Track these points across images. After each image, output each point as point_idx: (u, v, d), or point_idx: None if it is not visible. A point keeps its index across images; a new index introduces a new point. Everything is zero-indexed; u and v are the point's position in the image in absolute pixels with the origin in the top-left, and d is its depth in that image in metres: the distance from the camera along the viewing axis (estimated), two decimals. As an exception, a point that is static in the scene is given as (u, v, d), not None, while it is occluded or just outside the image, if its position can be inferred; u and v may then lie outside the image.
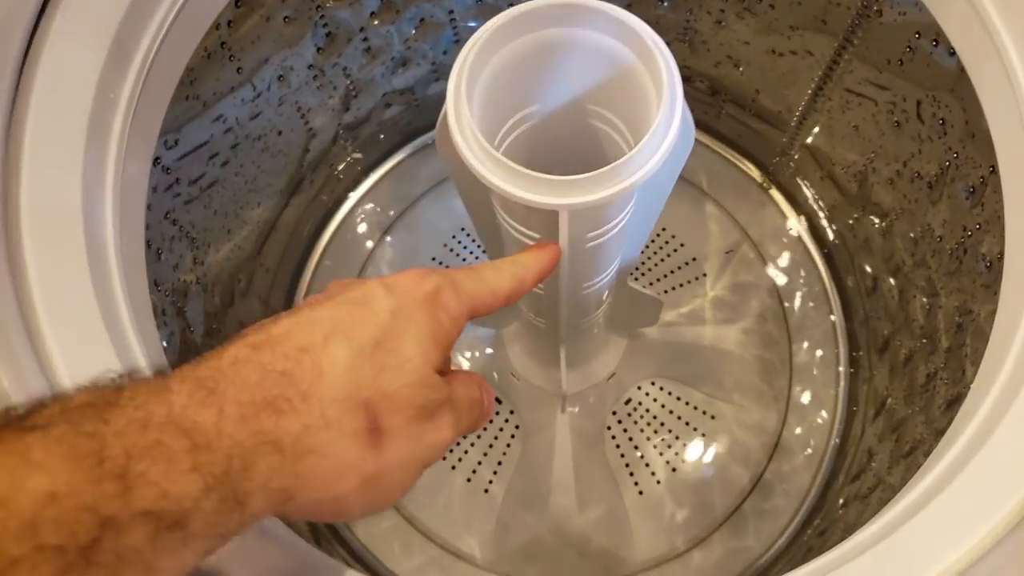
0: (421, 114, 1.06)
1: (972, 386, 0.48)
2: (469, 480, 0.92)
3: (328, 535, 0.89)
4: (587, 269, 0.57)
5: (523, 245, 0.53)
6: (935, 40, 0.63)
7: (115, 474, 0.25)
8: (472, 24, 0.94)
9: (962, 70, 0.59)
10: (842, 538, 0.54)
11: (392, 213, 1.07)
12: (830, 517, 0.81)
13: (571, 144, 0.56)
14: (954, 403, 0.60)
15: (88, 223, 0.41)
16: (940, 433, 0.60)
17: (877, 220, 0.84)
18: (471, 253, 1.03)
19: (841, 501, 0.80)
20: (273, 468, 0.29)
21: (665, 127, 0.42)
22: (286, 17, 0.73)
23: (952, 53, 0.60)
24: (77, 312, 0.40)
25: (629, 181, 0.41)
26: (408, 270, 0.37)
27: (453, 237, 1.05)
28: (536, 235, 0.50)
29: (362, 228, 1.06)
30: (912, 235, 0.76)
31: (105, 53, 0.45)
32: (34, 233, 0.40)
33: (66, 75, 0.42)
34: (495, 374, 0.96)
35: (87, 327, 0.41)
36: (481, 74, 0.45)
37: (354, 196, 1.07)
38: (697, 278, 1.00)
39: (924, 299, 0.73)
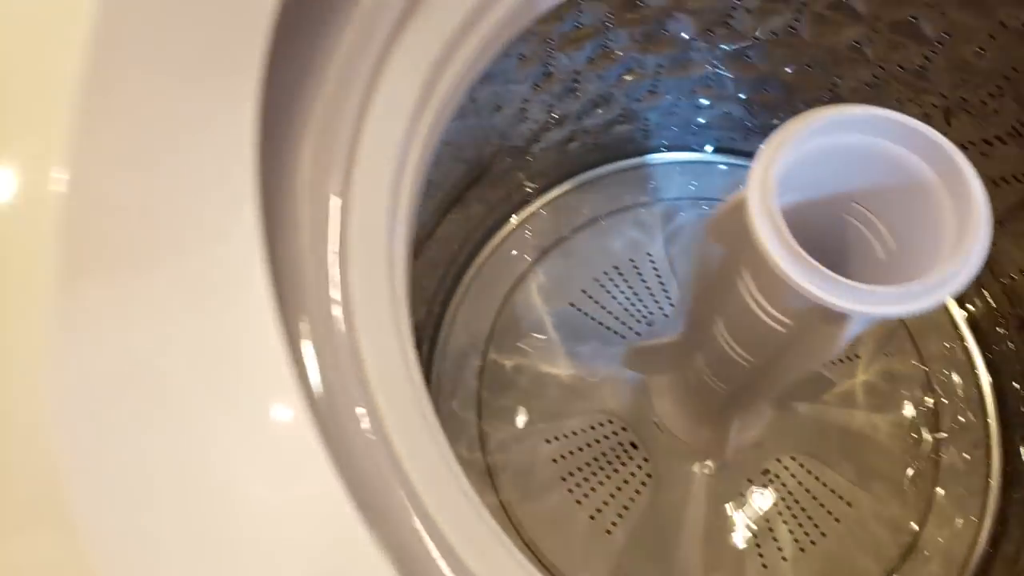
0: (595, 152, 1.07)
1: None
2: (593, 518, 0.93)
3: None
4: (821, 356, 0.58)
5: (762, 325, 0.54)
6: None
7: None
8: (671, 80, 0.95)
9: None
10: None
11: (549, 241, 1.08)
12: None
13: (811, 225, 0.57)
14: None
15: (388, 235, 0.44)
16: None
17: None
18: (621, 292, 1.04)
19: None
20: None
21: (972, 256, 0.42)
22: (521, 55, 0.76)
23: None
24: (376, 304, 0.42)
25: (932, 299, 0.41)
26: None
27: (605, 273, 1.06)
28: (789, 322, 0.51)
29: (518, 251, 1.08)
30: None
31: (419, 88, 0.47)
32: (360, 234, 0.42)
33: (391, 107, 0.45)
34: (634, 417, 0.97)
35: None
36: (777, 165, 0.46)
37: (515, 219, 1.09)
38: (850, 358, 1.00)
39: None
